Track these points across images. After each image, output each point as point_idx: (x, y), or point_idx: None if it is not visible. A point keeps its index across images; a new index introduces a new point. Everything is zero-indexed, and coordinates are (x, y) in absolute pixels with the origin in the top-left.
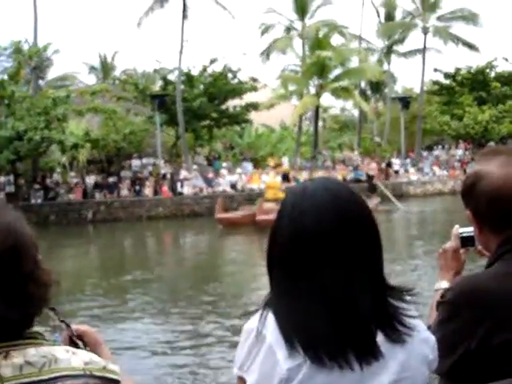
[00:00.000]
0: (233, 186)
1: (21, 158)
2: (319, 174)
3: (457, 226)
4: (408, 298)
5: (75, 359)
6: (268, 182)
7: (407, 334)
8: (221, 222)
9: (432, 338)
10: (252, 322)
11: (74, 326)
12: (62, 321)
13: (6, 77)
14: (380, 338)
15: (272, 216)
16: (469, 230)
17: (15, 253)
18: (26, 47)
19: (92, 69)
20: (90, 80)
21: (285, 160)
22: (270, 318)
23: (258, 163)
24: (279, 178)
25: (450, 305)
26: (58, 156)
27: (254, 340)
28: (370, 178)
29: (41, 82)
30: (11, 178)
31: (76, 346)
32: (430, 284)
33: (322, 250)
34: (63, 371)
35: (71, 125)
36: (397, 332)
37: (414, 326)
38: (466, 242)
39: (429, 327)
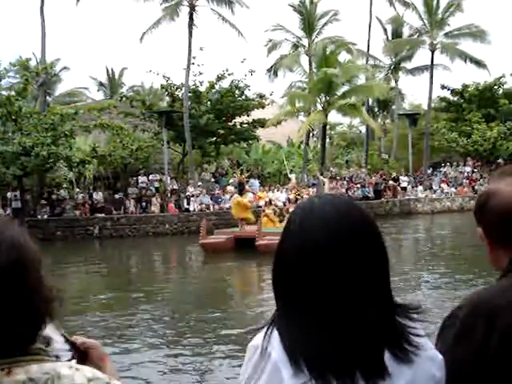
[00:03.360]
0: None
1: (27, 174)
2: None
3: None
4: (415, 316)
5: (78, 375)
6: (237, 199)
7: (414, 353)
8: (204, 248)
9: (439, 357)
10: (257, 340)
11: (78, 340)
12: (62, 335)
13: (13, 93)
14: (387, 357)
15: (271, 240)
16: None
17: (18, 267)
18: (33, 63)
19: (100, 85)
20: (98, 96)
21: (292, 176)
22: (275, 335)
23: (265, 180)
24: (250, 195)
25: (460, 323)
26: (65, 172)
27: (258, 357)
28: None
29: (48, 98)
30: (18, 193)
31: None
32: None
33: (329, 267)
34: None
35: (78, 141)
36: (404, 351)
37: (421, 345)
38: None
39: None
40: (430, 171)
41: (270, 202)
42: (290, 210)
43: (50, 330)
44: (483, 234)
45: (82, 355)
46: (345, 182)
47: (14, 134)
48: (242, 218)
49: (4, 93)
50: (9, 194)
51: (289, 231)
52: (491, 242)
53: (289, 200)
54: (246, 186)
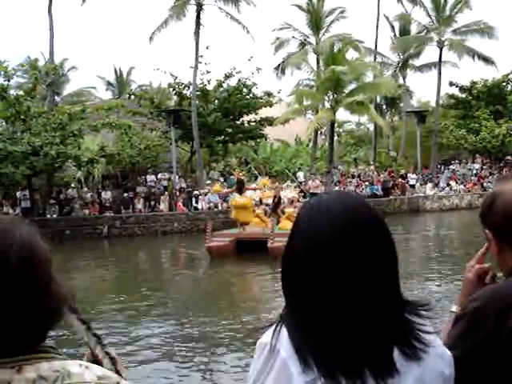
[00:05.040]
0: None
1: (36, 173)
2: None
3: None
4: (423, 312)
5: (88, 374)
6: (237, 200)
7: (423, 350)
8: (210, 251)
9: (448, 354)
10: (266, 337)
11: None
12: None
13: (21, 92)
14: (396, 354)
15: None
16: None
17: (29, 267)
18: (42, 63)
19: (108, 84)
20: (106, 95)
21: (300, 174)
22: (284, 332)
23: (273, 178)
24: (251, 194)
25: (472, 316)
26: (74, 171)
27: (267, 354)
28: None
29: (56, 98)
30: (27, 192)
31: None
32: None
33: (337, 265)
34: None
35: (86, 140)
36: (413, 348)
37: (430, 342)
38: None
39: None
40: (438, 168)
41: (260, 202)
42: (286, 210)
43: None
44: (491, 235)
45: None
46: (353, 180)
47: (22, 133)
48: (241, 220)
49: (13, 93)
50: (18, 194)
51: (297, 228)
52: (498, 242)
53: (275, 199)
54: (254, 185)
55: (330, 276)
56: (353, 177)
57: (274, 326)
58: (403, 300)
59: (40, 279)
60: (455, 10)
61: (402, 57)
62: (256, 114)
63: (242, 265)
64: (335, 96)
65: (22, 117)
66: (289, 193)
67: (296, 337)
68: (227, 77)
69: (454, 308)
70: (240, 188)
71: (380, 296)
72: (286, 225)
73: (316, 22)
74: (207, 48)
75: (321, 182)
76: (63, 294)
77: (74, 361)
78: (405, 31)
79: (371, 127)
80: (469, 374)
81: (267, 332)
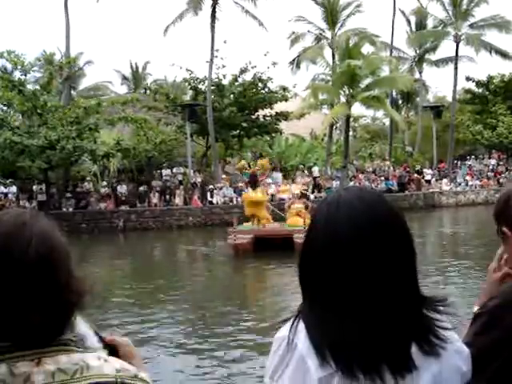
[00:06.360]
0: None
1: (53, 167)
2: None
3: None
4: (441, 308)
5: (107, 366)
6: (245, 195)
7: (441, 346)
8: (236, 250)
9: (466, 350)
10: (283, 331)
11: (108, 337)
12: (95, 332)
13: (38, 87)
14: (414, 349)
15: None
16: None
17: (49, 260)
18: (58, 56)
19: (124, 79)
20: (122, 90)
21: (315, 169)
22: (301, 327)
23: (288, 173)
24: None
25: (491, 314)
26: (90, 165)
27: (285, 349)
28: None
29: (73, 93)
30: (43, 186)
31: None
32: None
33: (356, 261)
34: (95, 378)
35: (103, 134)
36: (431, 344)
37: (448, 338)
38: None
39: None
40: (454, 163)
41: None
42: (295, 205)
43: (83, 327)
44: (510, 233)
45: (112, 352)
46: (366, 175)
47: (39, 127)
48: (253, 215)
49: (30, 87)
50: (34, 187)
51: (315, 225)
52: None
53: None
54: (269, 179)
55: (349, 272)
56: (363, 172)
57: (291, 321)
58: (421, 296)
59: (59, 273)
60: (472, 4)
61: (418, 51)
62: (271, 108)
63: (269, 261)
64: (351, 90)
65: (39, 111)
66: (295, 188)
67: (314, 331)
68: (242, 71)
69: (476, 309)
70: (254, 182)
71: (398, 292)
72: (296, 221)
73: (332, 16)
74: (225, 42)
75: (330, 177)
76: (82, 287)
77: (93, 353)
78: (421, 26)
79: (387, 122)
80: (487, 371)
81: (284, 326)
